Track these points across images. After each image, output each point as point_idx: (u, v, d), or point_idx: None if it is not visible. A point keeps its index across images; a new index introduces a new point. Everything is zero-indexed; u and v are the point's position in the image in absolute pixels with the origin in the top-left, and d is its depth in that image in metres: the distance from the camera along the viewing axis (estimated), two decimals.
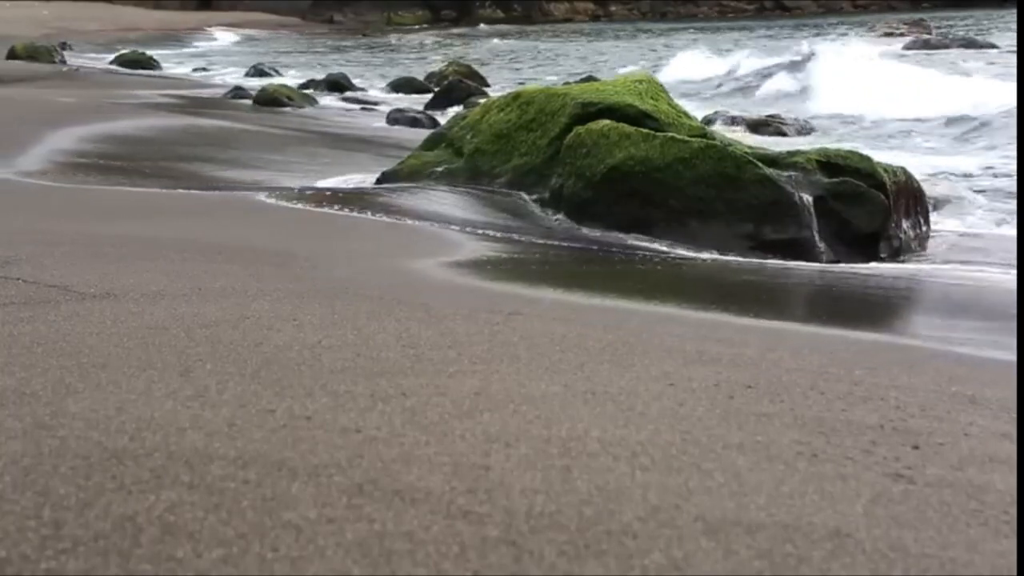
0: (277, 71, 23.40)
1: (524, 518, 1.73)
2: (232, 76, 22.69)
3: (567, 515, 1.75)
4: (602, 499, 1.83)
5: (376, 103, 16.79)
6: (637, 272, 5.31)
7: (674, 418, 2.31)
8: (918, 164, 8.68)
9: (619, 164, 6.34)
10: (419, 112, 14.54)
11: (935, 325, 4.41)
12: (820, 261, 5.99)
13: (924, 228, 6.68)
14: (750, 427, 2.28)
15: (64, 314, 3.02)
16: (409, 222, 5.87)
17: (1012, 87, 13.97)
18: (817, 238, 6.09)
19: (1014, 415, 2.56)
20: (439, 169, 7.37)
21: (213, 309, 3.16)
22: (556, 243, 5.87)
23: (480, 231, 5.80)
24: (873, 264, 6.04)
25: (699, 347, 3.05)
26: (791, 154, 6.59)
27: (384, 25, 60.18)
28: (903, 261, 6.16)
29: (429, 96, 17.45)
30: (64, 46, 29.61)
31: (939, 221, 7.17)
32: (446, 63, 22.43)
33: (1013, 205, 7.85)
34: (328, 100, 17.09)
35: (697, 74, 21.52)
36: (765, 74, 19.80)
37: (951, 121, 13.21)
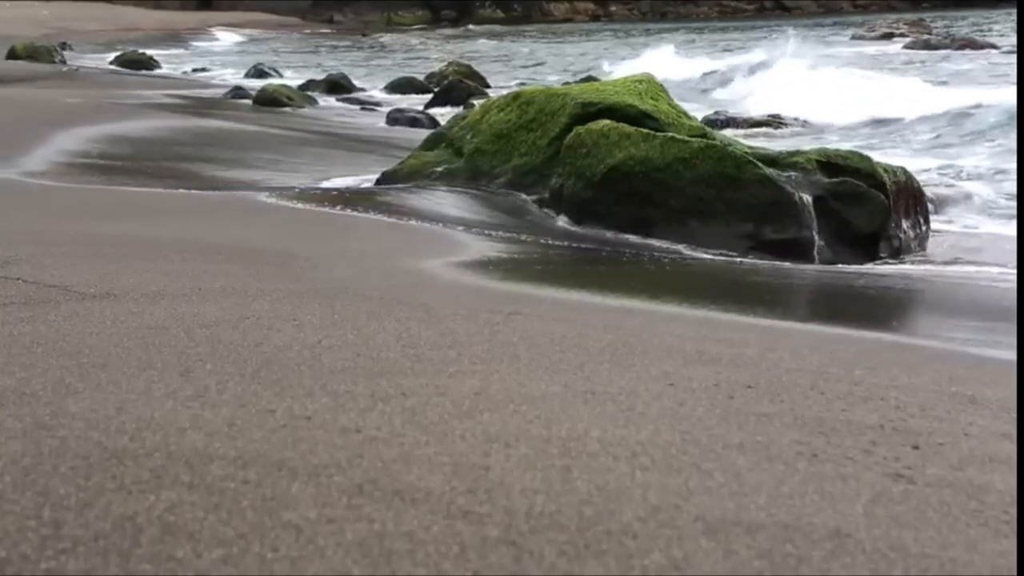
0: (277, 71, 23.40)
1: (524, 518, 1.73)
2: (232, 76, 22.69)
3: (567, 515, 1.75)
4: (602, 499, 1.83)
5: (376, 103, 16.80)
6: (637, 272, 5.31)
7: (674, 418, 2.31)
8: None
9: (619, 164, 6.34)
10: (419, 112, 14.55)
11: (935, 325, 4.41)
12: (820, 261, 5.99)
13: (924, 228, 6.68)
14: (750, 427, 2.28)
15: (64, 314, 3.02)
16: (409, 222, 5.87)
17: (946, 92, 14.82)
18: (817, 238, 6.09)
19: (1014, 415, 2.56)
20: (439, 169, 7.37)
21: (213, 309, 3.16)
22: (556, 243, 5.87)
23: (480, 231, 5.80)
24: (873, 264, 6.04)
25: (699, 347, 3.05)
26: (791, 154, 6.59)
27: (384, 25, 60.16)
28: (903, 261, 6.16)
29: (429, 96, 17.45)
30: (64, 46, 29.61)
31: (938, 221, 7.18)
32: (446, 63, 22.43)
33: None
34: (328, 100, 17.09)
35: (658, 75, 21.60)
36: (724, 79, 19.98)
37: (876, 123, 13.66)
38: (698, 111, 12.00)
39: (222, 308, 3.18)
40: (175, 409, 2.19)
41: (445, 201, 6.66)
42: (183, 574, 1.51)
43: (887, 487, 1.98)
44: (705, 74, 21.55)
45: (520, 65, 27.29)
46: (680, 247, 6.04)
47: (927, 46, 27.86)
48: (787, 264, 5.81)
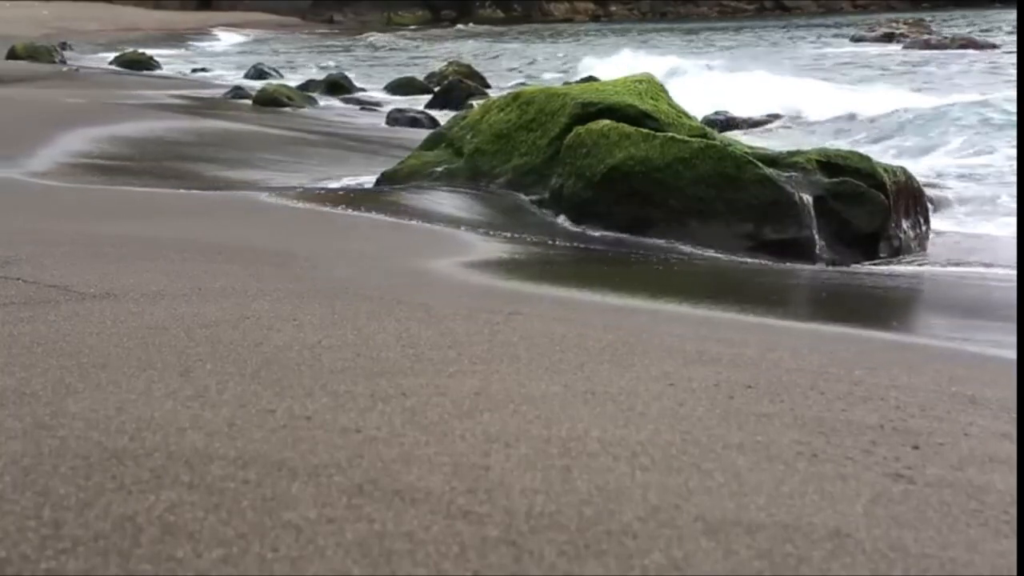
0: (277, 71, 23.38)
1: (524, 518, 1.73)
2: (232, 76, 22.68)
3: (567, 515, 1.75)
4: (602, 499, 1.83)
5: (376, 103, 16.79)
6: (637, 272, 5.31)
7: (674, 418, 2.31)
8: None
9: (619, 164, 6.34)
10: (419, 112, 14.54)
11: (935, 325, 4.41)
12: (820, 261, 5.99)
13: (924, 228, 6.68)
14: (750, 427, 2.28)
15: (64, 314, 3.02)
16: (409, 222, 5.87)
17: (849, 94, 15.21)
18: (817, 238, 6.09)
19: (1014, 415, 2.56)
20: (439, 169, 7.37)
21: (213, 309, 3.16)
22: (556, 243, 5.87)
23: (480, 231, 5.80)
24: (873, 264, 6.04)
25: (699, 347, 3.05)
26: (791, 154, 6.59)
27: (384, 25, 60.14)
28: (903, 261, 6.16)
29: (429, 96, 17.45)
30: (64, 46, 29.57)
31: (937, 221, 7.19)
32: (446, 63, 22.43)
33: None
34: (328, 100, 17.08)
35: (607, 75, 21.67)
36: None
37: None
38: None
39: (222, 308, 3.18)
40: (175, 409, 2.19)
41: (445, 201, 6.66)
42: (183, 574, 1.51)
43: (887, 487, 1.98)
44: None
45: (511, 67, 27.32)
46: (680, 247, 6.04)
47: (927, 46, 27.86)
48: (787, 264, 5.81)
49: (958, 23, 41.01)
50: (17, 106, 11.67)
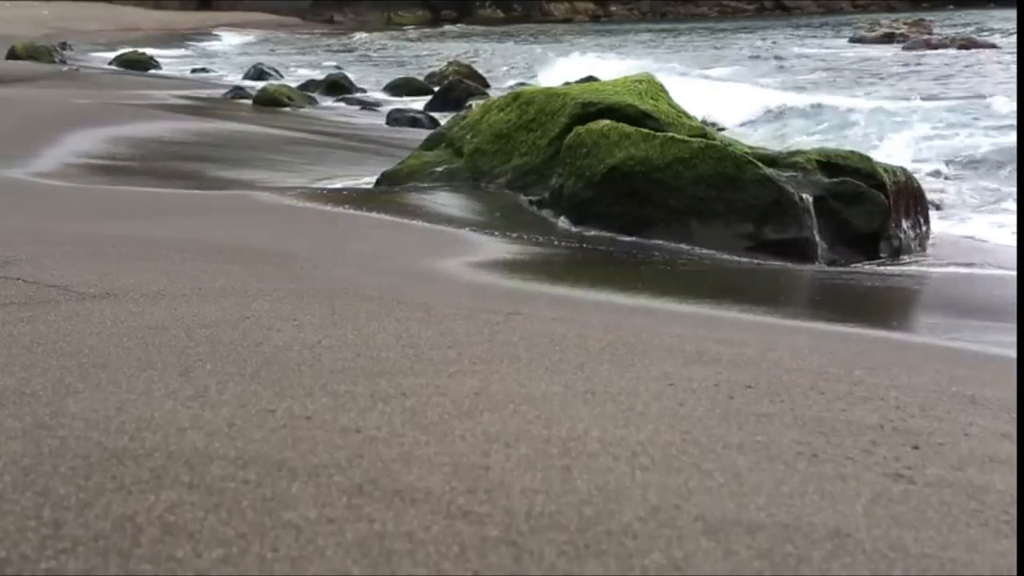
0: (277, 71, 23.38)
1: (524, 518, 1.73)
2: (232, 76, 22.67)
3: (567, 515, 1.75)
4: (602, 499, 1.83)
5: (376, 103, 16.79)
6: (637, 272, 5.31)
7: (674, 418, 2.31)
8: None
9: (619, 164, 6.34)
10: (419, 112, 14.54)
11: (935, 325, 4.41)
12: (820, 261, 5.99)
13: (924, 228, 6.68)
14: (750, 427, 2.28)
15: (64, 314, 3.02)
16: (409, 222, 5.87)
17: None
18: (817, 238, 6.09)
19: (1014, 415, 2.56)
20: (439, 169, 7.37)
21: (213, 309, 3.16)
22: (556, 243, 5.87)
23: (480, 231, 5.80)
24: (873, 264, 6.04)
25: (699, 347, 3.05)
26: (791, 154, 6.59)
27: (384, 25, 60.14)
28: (903, 261, 6.16)
29: (429, 96, 17.44)
30: (64, 46, 29.57)
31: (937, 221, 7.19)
32: (446, 63, 22.43)
33: None
34: (328, 100, 17.08)
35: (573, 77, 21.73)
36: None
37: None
38: None
39: (222, 308, 3.18)
40: (175, 409, 2.19)
41: (445, 201, 6.66)
42: (183, 574, 1.51)
43: (887, 487, 1.98)
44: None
45: (507, 66, 27.28)
46: (680, 247, 6.04)
47: (927, 46, 27.85)
48: (787, 264, 5.81)
49: (959, 23, 41.02)
50: (17, 106, 11.67)
